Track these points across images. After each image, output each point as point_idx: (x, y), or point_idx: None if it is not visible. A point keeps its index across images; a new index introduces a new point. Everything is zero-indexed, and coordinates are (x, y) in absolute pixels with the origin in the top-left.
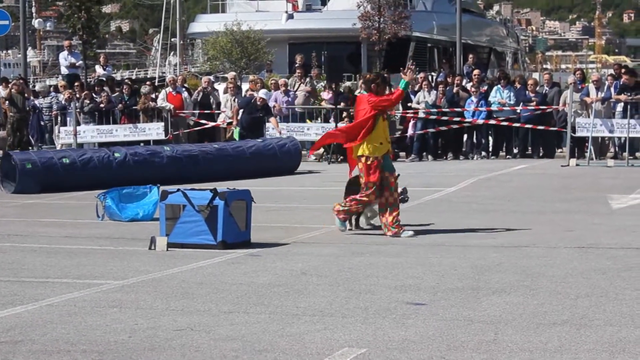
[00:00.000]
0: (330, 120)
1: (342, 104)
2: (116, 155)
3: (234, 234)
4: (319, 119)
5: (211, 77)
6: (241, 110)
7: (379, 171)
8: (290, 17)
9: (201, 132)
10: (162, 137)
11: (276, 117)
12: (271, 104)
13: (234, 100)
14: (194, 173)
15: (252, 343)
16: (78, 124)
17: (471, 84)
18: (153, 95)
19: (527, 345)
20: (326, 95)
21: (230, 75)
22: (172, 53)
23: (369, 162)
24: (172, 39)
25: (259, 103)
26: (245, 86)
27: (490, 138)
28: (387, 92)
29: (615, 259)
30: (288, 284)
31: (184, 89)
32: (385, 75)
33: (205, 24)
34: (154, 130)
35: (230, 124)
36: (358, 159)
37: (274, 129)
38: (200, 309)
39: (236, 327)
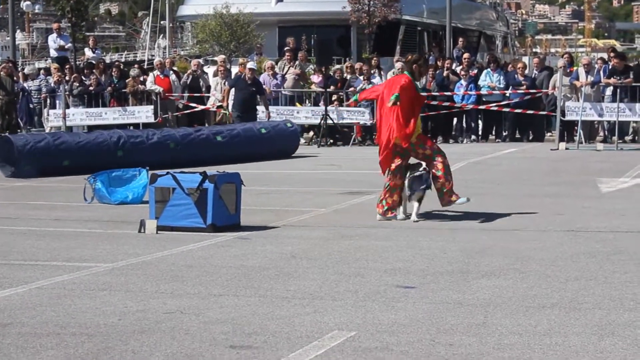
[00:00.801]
0: (320, 104)
1: (332, 87)
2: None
3: (223, 217)
4: (309, 102)
5: (200, 61)
6: (232, 91)
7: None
8: (280, 0)
9: (191, 115)
10: (152, 120)
11: (266, 97)
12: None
13: (224, 83)
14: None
15: (241, 326)
16: (67, 106)
17: (461, 67)
18: (142, 78)
19: (516, 328)
20: (316, 78)
21: (220, 58)
22: (161, 36)
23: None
24: (162, 22)
25: (249, 76)
26: (235, 69)
27: (480, 122)
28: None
29: (605, 242)
30: (278, 267)
31: (172, 72)
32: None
33: (195, 6)
34: (144, 113)
35: (220, 107)
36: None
37: (264, 112)
38: (189, 292)
39: (226, 310)
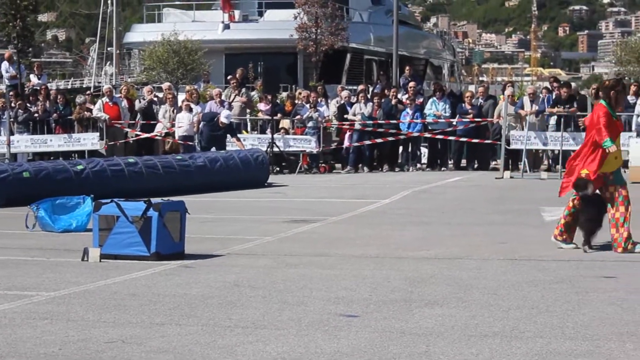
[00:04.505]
0: (266, 132)
1: (278, 115)
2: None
3: (167, 245)
4: (255, 130)
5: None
6: (203, 122)
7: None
8: (227, 27)
9: (140, 143)
10: (97, 147)
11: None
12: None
13: (173, 110)
14: (157, 187)
15: (183, 355)
16: (12, 133)
17: (407, 96)
18: (90, 106)
19: (458, 357)
20: (263, 106)
21: (166, 85)
22: (108, 63)
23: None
24: (109, 49)
25: (220, 125)
26: (181, 97)
27: (425, 150)
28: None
29: (547, 271)
30: (221, 296)
31: (122, 99)
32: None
33: (142, 33)
34: (89, 140)
35: (167, 134)
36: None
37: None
38: (132, 321)
39: (168, 339)
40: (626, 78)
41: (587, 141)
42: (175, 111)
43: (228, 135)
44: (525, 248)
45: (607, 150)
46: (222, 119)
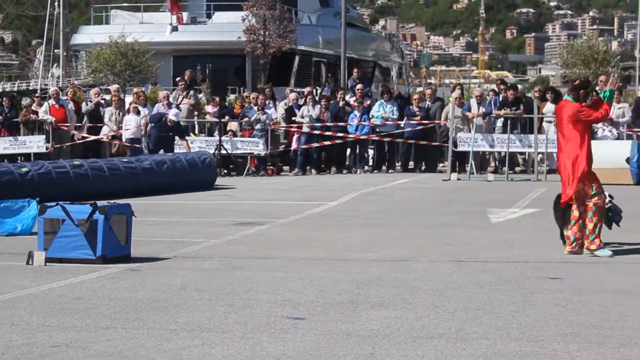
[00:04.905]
0: (214, 134)
1: (226, 117)
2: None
3: (113, 249)
4: (203, 132)
5: (99, 89)
6: (150, 124)
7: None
8: (175, 29)
9: (86, 145)
10: (43, 150)
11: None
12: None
13: (119, 113)
14: (103, 189)
15: (128, 359)
16: None
17: (354, 98)
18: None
19: (403, 359)
20: (210, 108)
21: (113, 87)
22: (55, 65)
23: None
24: (56, 51)
25: (169, 124)
26: (128, 99)
27: (373, 152)
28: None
29: (492, 272)
30: (167, 299)
31: (69, 102)
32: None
33: (89, 35)
34: (35, 143)
35: (114, 137)
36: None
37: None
38: (77, 325)
39: (113, 342)
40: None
41: (567, 136)
42: (121, 114)
43: (177, 138)
44: (471, 250)
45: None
46: (171, 116)
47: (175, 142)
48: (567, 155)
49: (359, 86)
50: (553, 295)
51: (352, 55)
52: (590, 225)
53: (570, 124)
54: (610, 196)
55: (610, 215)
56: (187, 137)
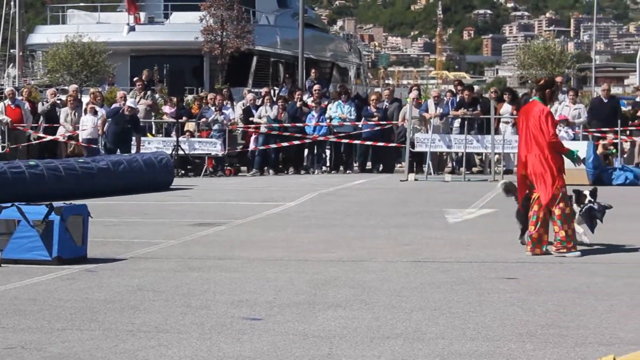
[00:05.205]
0: (171, 135)
1: (183, 117)
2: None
3: (70, 250)
4: (160, 133)
5: (56, 90)
6: (108, 121)
7: None
8: (132, 29)
9: (42, 146)
10: None
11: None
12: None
13: (75, 114)
14: (59, 190)
15: None
16: None
17: (312, 99)
18: None
19: (360, 359)
20: (168, 109)
21: (72, 87)
22: (10, 65)
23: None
24: (11, 51)
25: (127, 112)
26: (85, 99)
27: (331, 152)
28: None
29: (449, 272)
30: (124, 300)
31: (25, 102)
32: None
33: (45, 35)
34: None
35: (70, 137)
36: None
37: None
38: (32, 327)
39: (69, 344)
40: (529, 81)
41: (528, 133)
42: (77, 114)
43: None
44: (428, 250)
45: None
46: (129, 103)
47: (133, 142)
48: (535, 155)
49: (316, 87)
50: (509, 295)
51: (310, 56)
52: (562, 233)
53: (539, 124)
54: (590, 198)
55: (592, 220)
56: (143, 138)
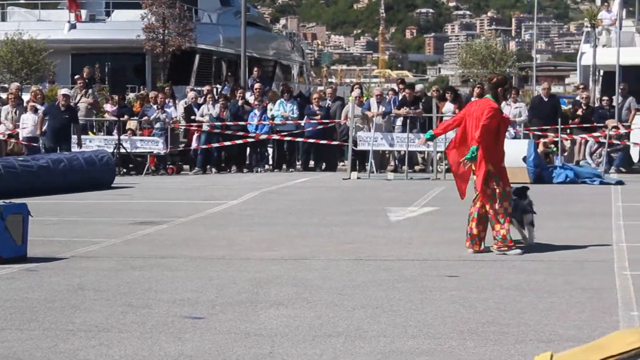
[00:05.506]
0: (113, 133)
1: (125, 116)
2: None
3: (9, 249)
4: (102, 131)
5: None
6: (46, 119)
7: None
8: (73, 27)
9: None
10: None
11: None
12: None
13: (15, 112)
14: None
15: None
16: None
17: (254, 97)
18: None
19: (302, 358)
20: (109, 107)
21: (14, 86)
22: None
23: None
24: None
25: (62, 103)
26: (26, 97)
27: (274, 151)
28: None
29: (391, 270)
30: (64, 300)
31: None
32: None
33: None
34: None
35: (10, 136)
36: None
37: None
38: None
39: (8, 344)
40: (471, 80)
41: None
42: (18, 112)
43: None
44: (371, 248)
45: (464, 160)
46: (63, 91)
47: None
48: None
49: (257, 85)
50: (451, 292)
51: (253, 54)
52: (502, 232)
53: (487, 120)
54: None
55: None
56: (85, 136)
